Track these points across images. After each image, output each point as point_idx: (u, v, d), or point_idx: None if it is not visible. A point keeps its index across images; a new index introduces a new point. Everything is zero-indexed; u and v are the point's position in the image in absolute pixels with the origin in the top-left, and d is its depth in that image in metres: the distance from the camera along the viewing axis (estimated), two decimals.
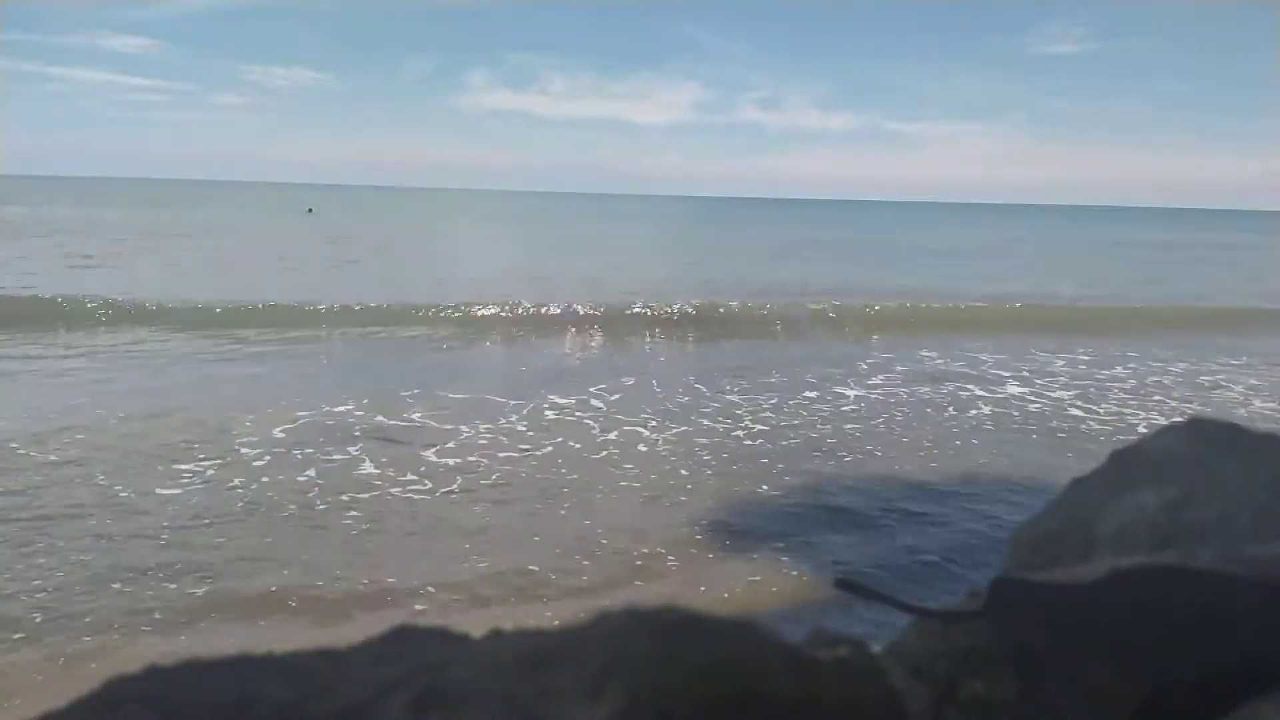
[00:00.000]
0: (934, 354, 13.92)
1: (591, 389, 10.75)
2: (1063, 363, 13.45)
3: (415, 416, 9.25)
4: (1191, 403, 11.08)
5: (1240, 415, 10.28)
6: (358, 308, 16.01)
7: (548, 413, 9.65)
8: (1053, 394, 11.27)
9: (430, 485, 7.23)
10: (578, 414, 9.65)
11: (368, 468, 7.60)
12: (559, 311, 16.56)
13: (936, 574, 5.85)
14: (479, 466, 7.76)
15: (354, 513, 6.58)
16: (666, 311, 16.97)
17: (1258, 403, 11.16)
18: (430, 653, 0.63)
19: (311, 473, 7.36)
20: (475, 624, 0.68)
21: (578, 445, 8.46)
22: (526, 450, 8.27)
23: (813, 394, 10.91)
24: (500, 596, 5.41)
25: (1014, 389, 11.51)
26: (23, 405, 9.26)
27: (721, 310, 17.51)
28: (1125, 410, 10.50)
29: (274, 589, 5.33)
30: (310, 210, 67.42)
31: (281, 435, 8.38)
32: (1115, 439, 7.77)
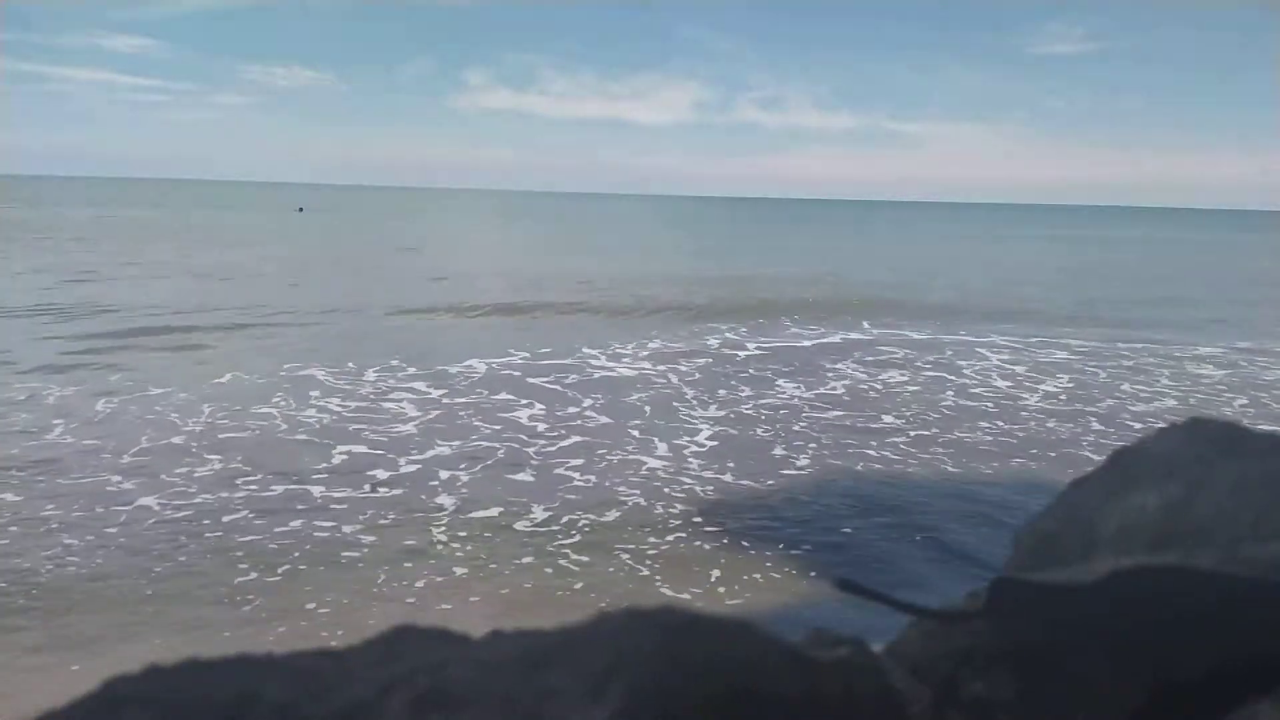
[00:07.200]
0: None
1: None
2: None
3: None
4: None
5: None
6: None
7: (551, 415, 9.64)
8: None
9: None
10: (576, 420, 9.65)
11: None
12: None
13: (937, 574, 5.84)
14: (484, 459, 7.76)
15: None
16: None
17: None
18: (430, 653, 0.63)
19: None
20: (475, 624, 0.68)
21: (575, 453, 8.45)
22: (522, 448, 8.27)
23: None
24: (501, 595, 5.40)
25: None
26: None
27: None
28: None
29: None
30: (300, 210, 68.14)
31: None
32: None
